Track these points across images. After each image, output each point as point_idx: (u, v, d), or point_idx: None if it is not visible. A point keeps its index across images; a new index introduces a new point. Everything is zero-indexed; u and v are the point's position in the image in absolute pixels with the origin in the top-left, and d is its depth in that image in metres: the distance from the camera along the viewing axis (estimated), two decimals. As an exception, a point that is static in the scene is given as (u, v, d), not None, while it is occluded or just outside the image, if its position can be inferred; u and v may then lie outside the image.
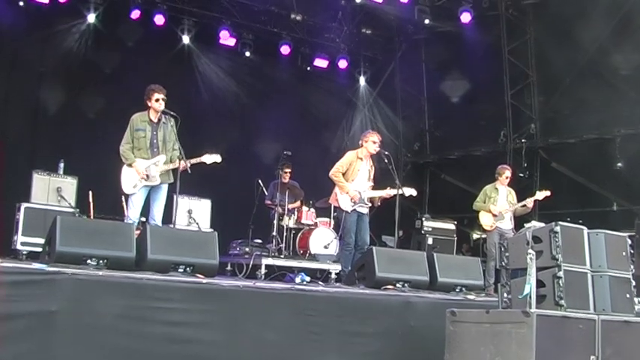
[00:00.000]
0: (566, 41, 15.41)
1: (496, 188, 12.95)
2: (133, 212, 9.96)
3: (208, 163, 10.12)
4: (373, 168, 11.42)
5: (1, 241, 11.42)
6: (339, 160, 11.35)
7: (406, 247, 14.04)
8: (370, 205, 11.23)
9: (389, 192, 11.22)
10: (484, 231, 13.30)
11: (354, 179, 11.09)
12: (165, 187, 10.17)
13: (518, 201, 12.85)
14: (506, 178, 12.99)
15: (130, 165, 9.94)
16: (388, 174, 11.33)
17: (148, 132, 10.06)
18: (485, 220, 12.91)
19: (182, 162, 9.93)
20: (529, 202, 12.73)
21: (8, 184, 12.58)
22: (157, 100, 10.01)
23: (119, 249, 7.94)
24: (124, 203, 10.89)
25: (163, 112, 10.04)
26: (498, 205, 12.76)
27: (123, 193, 10.16)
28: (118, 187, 10.07)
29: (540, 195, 12.70)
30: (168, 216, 10.96)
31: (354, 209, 11.01)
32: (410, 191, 11.43)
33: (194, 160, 9.96)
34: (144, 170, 9.92)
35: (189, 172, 9.86)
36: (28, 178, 12.04)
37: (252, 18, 17.28)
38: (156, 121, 10.13)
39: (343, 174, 11.11)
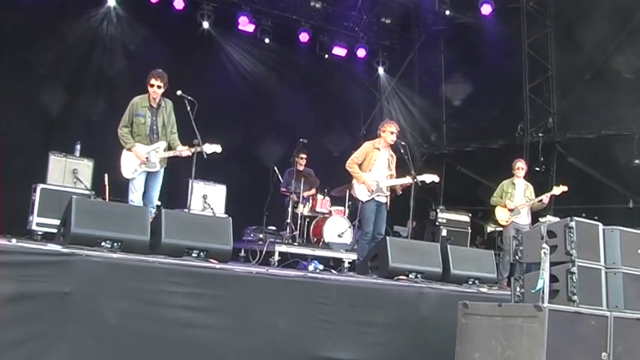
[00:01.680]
0: (587, 36, 15.30)
1: (513, 183, 12.93)
2: (135, 196, 10.09)
3: (208, 152, 10.07)
4: (394, 157, 11.40)
5: (17, 221, 11.49)
6: (356, 150, 11.35)
7: (419, 238, 14.04)
8: (389, 194, 11.21)
9: (406, 180, 11.19)
10: (500, 225, 13.27)
11: (372, 169, 11.09)
12: (162, 172, 10.32)
13: (536, 196, 12.81)
14: (519, 169, 12.96)
15: (129, 149, 10.01)
16: (404, 164, 11.32)
17: (147, 118, 10.14)
18: (501, 215, 12.90)
19: (184, 149, 10.11)
20: (545, 198, 12.69)
21: (25, 165, 12.66)
22: (152, 86, 10.13)
23: (133, 232, 7.97)
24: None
25: (181, 97, 10.07)
26: (515, 200, 12.74)
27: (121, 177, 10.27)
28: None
29: (557, 190, 12.66)
30: (183, 200, 11.03)
31: (372, 198, 11.00)
32: (431, 177, 11.39)
33: (195, 150, 10.01)
34: (144, 154, 9.98)
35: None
36: (44, 160, 12.10)
37: (272, 4, 17.27)
38: (155, 106, 10.20)
39: (360, 164, 11.11)
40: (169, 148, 10.29)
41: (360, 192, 11.06)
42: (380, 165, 11.17)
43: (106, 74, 15.01)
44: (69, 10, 14.52)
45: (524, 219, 12.69)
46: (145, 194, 10.23)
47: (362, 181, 11.00)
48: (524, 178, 13.10)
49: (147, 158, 10.08)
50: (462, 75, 18.75)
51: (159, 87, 10.11)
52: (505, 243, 12.89)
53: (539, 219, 12.07)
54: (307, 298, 8.02)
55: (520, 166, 13.01)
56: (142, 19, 15.58)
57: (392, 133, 11.14)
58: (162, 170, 10.32)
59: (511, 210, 12.70)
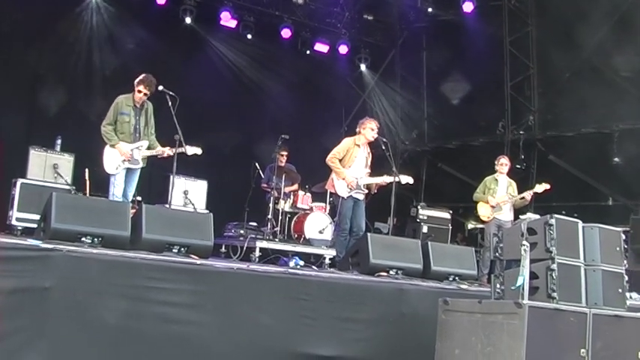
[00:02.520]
0: (568, 35, 15.40)
1: (496, 179, 12.94)
2: (117, 190, 10.16)
3: (189, 154, 10.20)
4: (370, 155, 11.40)
5: (-4, 216, 11.44)
6: (336, 146, 11.34)
7: (400, 235, 14.05)
8: (367, 191, 11.22)
9: (385, 179, 11.21)
10: (481, 222, 13.30)
11: (351, 166, 11.06)
12: (139, 170, 10.40)
13: (519, 193, 12.84)
14: (502, 165, 12.96)
15: (113, 146, 10.06)
16: (385, 161, 11.32)
17: (132, 117, 10.28)
18: (482, 211, 12.92)
19: (166, 149, 10.22)
20: (528, 195, 12.71)
21: (5, 160, 12.57)
22: (140, 92, 10.24)
23: (114, 227, 7.94)
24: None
25: (162, 92, 10.11)
26: (497, 196, 12.76)
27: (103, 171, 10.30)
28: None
29: (540, 188, 12.68)
30: (164, 196, 11.01)
31: (351, 195, 10.99)
32: (406, 179, 11.40)
33: (176, 150, 10.05)
34: (128, 151, 10.04)
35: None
36: (24, 154, 12.03)
37: (254, 0, 17.24)
38: (139, 106, 10.27)
39: (340, 160, 11.09)
40: (149, 148, 10.35)
41: (340, 188, 11.03)
42: (359, 162, 11.15)
43: (87, 69, 14.95)
44: (50, 4, 14.42)
45: (506, 215, 12.70)
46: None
47: (342, 177, 10.98)
48: (508, 175, 13.12)
49: (131, 154, 10.13)
50: (444, 72, 18.82)
51: (145, 94, 10.24)
52: (486, 239, 12.90)
53: (520, 216, 12.10)
54: (288, 295, 8.03)
55: (503, 162, 13.02)
56: (124, 14, 15.54)
57: (372, 129, 11.12)
58: (139, 170, 10.38)
59: (493, 206, 12.73)
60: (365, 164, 11.21)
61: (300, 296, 8.08)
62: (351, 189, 10.95)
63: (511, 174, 13.25)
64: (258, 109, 17.04)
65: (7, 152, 12.72)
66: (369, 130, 11.13)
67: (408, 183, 11.54)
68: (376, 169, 11.49)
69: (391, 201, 11.29)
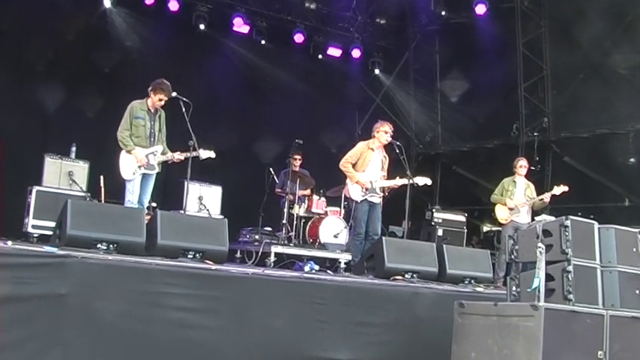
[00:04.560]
0: (582, 35, 15.35)
1: (514, 181, 12.90)
2: (132, 197, 10.18)
3: (203, 157, 10.26)
4: (387, 159, 11.39)
5: (13, 223, 11.48)
6: (350, 150, 11.35)
7: (415, 238, 14.01)
8: (382, 195, 11.21)
9: (399, 182, 11.20)
10: (499, 224, 13.25)
11: (365, 170, 11.06)
12: (154, 176, 10.44)
13: (537, 195, 12.79)
14: (521, 167, 12.93)
15: (129, 152, 10.08)
16: (399, 164, 11.32)
17: (147, 121, 10.33)
18: (500, 213, 12.88)
19: (175, 154, 10.30)
20: (546, 197, 12.65)
21: (20, 167, 12.64)
22: (160, 100, 10.28)
23: (129, 234, 7.98)
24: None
25: (176, 98, 10.15)
26: (515, 198, 12.72)
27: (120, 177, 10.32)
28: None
29: (558, 190, 12.62)
30: (179, 202, 11.04)
31: (365, 199, 10.99)
32: (424, 180, 11.39)
33: (190, 155, 10.09)
34: (144, 157, 10.06)
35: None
36: (40, 162, 12.09)
37: (266, 5, 17.29)
38: (153, 111, 10.31)
39: (354, 164, 11.10)
40: (162, 153, 10.39)
41: (354, 192, 11.04)
42: (374, 166, 11.15)
43: (103, 76, 15.04)
44: (66, 11, 14.50)
45: (524, 218, 12.64)
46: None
47: (356, 181, 10.99)
48: (525, 177, 13.07)
49: (147, 160, 10.16)
50: (457, 75, 18.80)
51: (165, 101, 10.31)
52: (502, 242, 12.85)
53: (535, 218, 12.06)
54: (303, 299, 8.02)
55: (522, 164, 12.97)
56: (138, 21, 15.61)
57: (386, 133, 11.13)
58: (155, 175, 10.40)
59: (511, 209, 12.68)
60: (380, 168, 11.21)
61: (316, 300, 8.07)
62: (365, 192, 10.95)
63: (527, 176, 13.21)
64: (272, 114, 17.03)
65: (22, 160, 12.80)
66: (382, 133, 11.13)
67: (425, 184, 11.54)
68: (391, 172, 11.49)
69: (406, 204, 11.28)
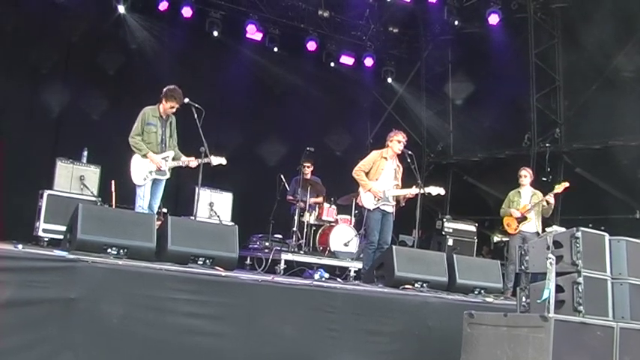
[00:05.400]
0: (594, 46, 15.30)
1: (519, 192, 12.89)
2: (143, 202, 10.19)
3: (214, 164, 10.28)
4: (400, 168, 11.40)
5: (24, 227, 11.53)
6: (363, 159, 11.37)
7: (425, 248, 14.00)
8: (395, 204, 11.22)
9: (412, 191, 11.20)
10: (507, 234, 13.22)
11: (378, 178, 11.08)
12: (164, 181, 10.45)
13: None
14: (522, 176, 12.91)
15: (144, 156, 10.10)
16: (411, 173, 11.31)
17: (158, 128, 10.37)
18: (509, 225, 12.86)
19: (191, 159, 10.29)
20: (550, 198, 12.58)
21: (32, 171, 12.70)
22: (172, 107, 10.31)
23: (140, 239, 8.00)
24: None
25: (188, 104, 10.18)
26: (521, 207, 12.70)
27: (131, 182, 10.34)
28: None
29: (560, 187, 12.61)
30: (189, 208, 11.06)
31: (378, 207, 11.00)
32: (437, 190, 11.37)
33: (202, 161, 10.12)
34: (160, 160, 10.09)
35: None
36: (51, 166, 12.13)
37: (279, 13, 17.31)
38: (165, 117, 10.33)
39: (367, 173, 11.11)
40: (174, 158, 10.40)
41: (367, 200, 11.06)
42: (387, 175, 11.16)
43: (115, 81, 15.07)
44: (80, 16, 14.56)
45: (531, 227, 12.59)
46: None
47: (368, 189, 11.00)
48: (532, 185, 13.05)
49: (162, 164, 10.21)
50: (469, 85, 18.75)
51: (177, 108, 10.32)
52: (510, 252, 12.82)
53: (546, 229, 12.03)
54: (313, 307, 8.03)
55: (524, 173, 12.96)
56: (152, 27, 15.69)
57: (399, 142, 11.15)
58: (165, 180, 10.43)
59: (518, 218, 12.65)
60: (394, 177, 11.23)
61: (325, 308, 8.07)
62: (377, 201, 10.95)
63: (537, 187, 13.17)
64: (284, 122, 17.05)
65: (34, 164, 12.85)
66: (395, 142, 11.15)
67: (439, 194, 11.53)
68: (403, 182, 11.48)
69: (416, 213, 11.28)
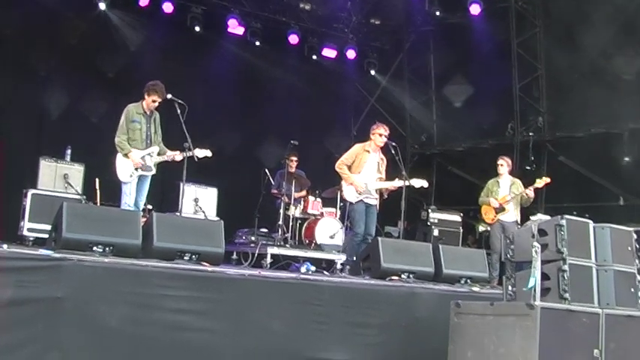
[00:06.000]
0: (576, 35, 15.34)
1: (497, 181, 12.92)
2: (129, 199, 10.18)
3: (200, 157, 10.31)
4: (384, 160, 11.42)
5: (8, 227, 11.49)
6: (346, 152, 11.38)
7: (411, 239, 14.02)
8: (378, 196, 11.24)
9: (395, 183, 11.24)
10: (487, 224, 13.27)
11: (361, 171, 11.11)
12: (150, 178, 10.46)
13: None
14: (500, 165, 12.92)
15: (125, 155, 10.10)
16: (395, 165, 11.34)
17: (143, 124, 10.37)
18: (487, 213, 12.90)
19: (176, 154, 10.33)
20: (529, 192, 12.63)
21: (15, 171, 12.64)
22: (154, 101, 10.31)
23: (125, 236, 7.98)
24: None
25: (171, 100, 10.17)
26: (499, 197, 12.72)
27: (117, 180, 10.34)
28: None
29: (540, 183, 12.65)
30: (174, 204, 11.05)
31: (361, 200, 11.01)
32: (420, 182, 11.42)
33: (186, 154, 10.13)
34: (140, 160, 10.09)
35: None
36: (35, 165, 12.08)
37: (261, 7, 17.27)
38: (149, 113, 10.33)
39: (350, 166, 11.13)
40: (159, 154, 10.39)
41: (349, 193, 11.09)
42: (369, 167, 11.18)
43: (97, 78, 14.96)
44: (60, 13, 14.46)
45: (510, 216, 12.62)
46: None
47: (350, 182, 11.02)
48: (511, 174, 13.08)
49: (143, 162, 10.18)
50: (452, 75, 18.78)
51: (159, 103, 10.31)
52: (491, 242, 12.87)
53: (530, 217, 12.07)
54: (300, 300, 8.04)
55: (501, 162, 12.96)
56: (132, 23, 15.61)
57: (381, 135, 11.16)
58: (150, 177, 10.42)
59: (496, 208, 12.69)
60: (376, 169, 11.25)
61: (312, 302, 8.09)
62: (359, 194, 10.98)
63: (521, 176, 13.21)
64: (267, 116, 17.03)
65: (17, 163, 12.80)
66: (377, 135, 11.18)
67: (422, 187, 11.56)
68: (386, 173, 11.50)
69: (402, 205, 11.29)
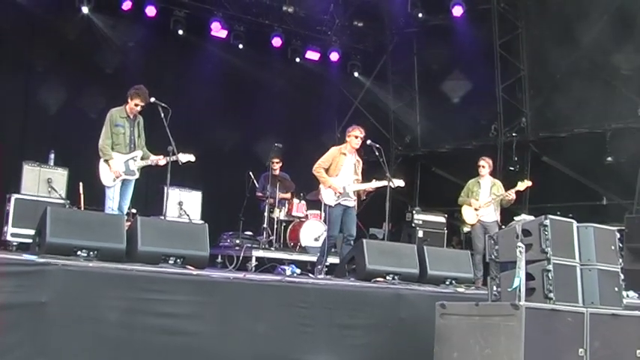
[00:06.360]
0: (558, 36, 15.43)
1: (478, 182, 12.94)
2: (113, 203, 10.16)
3: (183, 161, 10.30)
4: (360, 162, 11.44)
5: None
6: (323, 155, 11.39)
7: (396, 240, 14.04)
8: (356, 198, 11.25)
9: (373, 185, 11.28)
10: (468, 225, 13.28)
11: (338, 174, 11.12)
12: (133, 182, 10.45)
13: (505, 191, 12.81)
14: (480, 167, 12.94)
15: (106, 161, 10.09)
16: (379, 166, 11.35)
17: (126, 128, 10.37)
18: (467, 214, 12.90)
19: (159, 158, 10.33)
20: (511, 195, 12.67)
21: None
22: (137, 105, 10.29)
23: (110, 240, 7.95)
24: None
25: (154, 104, 10.15)
26: (480, 199, 12.74)
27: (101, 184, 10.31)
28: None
29: (522, 186, 12.68)
30: (159, 207, 11.02)
31: (339, 203, 11.03)
32: (398, 182, 11.44)
33: (170, 159, 10.13)
34: (118, 169, 10.06)
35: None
36: (18, 169, 12.03)
37: (244, 10, 17.28)
38: (132, 117, 10.31)
39: (327, 169, 11.14)
40: (142, 158, 10.38)
41: (327, 196, 11.09)
42: (346, 170, 11.20)
43: (80, 82, 14.91)
44: (42, 17, 14.42)
45: (490, 216, 12.65)
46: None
47: (329, 186, 11.03)
48: (492, 175, 13.11)
49: (126, 167, 10.15)
50: (435, 77, 18.83)
51: (142, 107, 10.25)
52: (473, 242, 12.89)
53: (514, 218, 12.11)
54: (285, 303, 8.02)
55: (482, 163, 12.97)
56: (115, 27, 15.57)
57: (357, 137, 11.18)
58: (134, 181, 10.40)
59: (477, 209, 12.71)
60: (353, 171, 11.26)
61: (298, 304, 8.07)
62: (338, 197, 10.99)
63: (504, 176, 13.24)
64: (251, 119, 17.03)
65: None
66: (353, 137, 11.21)
67: (399, 186, 11.57)
68: (370, 174, 11.54)
69: (386, 206, 11.30)
